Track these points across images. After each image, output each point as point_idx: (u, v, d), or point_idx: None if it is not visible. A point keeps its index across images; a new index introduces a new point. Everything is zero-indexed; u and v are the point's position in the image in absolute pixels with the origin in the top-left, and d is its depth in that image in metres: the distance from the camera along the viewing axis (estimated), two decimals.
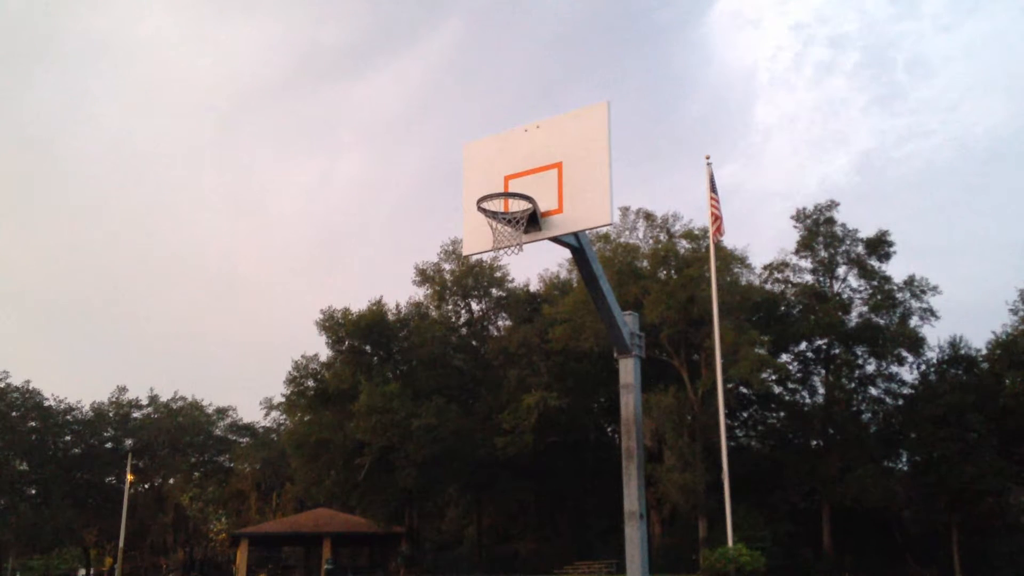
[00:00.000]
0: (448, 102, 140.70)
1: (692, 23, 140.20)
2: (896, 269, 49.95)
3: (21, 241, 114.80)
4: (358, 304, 51.57)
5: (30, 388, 55.19)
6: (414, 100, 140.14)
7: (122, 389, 60.94)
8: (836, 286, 40.52)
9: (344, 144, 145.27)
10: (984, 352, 39.75)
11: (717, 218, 26.27)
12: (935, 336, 56.82)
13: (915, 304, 39.02)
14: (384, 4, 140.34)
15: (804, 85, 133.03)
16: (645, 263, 39.04)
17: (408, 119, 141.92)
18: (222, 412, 64.31)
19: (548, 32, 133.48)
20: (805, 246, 40.22)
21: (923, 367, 40.35)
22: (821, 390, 40.82)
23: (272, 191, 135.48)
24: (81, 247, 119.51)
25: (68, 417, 57.10)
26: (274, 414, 50.51)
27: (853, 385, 40.71)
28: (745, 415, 44.75)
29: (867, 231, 39.77)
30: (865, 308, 39.53)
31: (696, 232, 37.91)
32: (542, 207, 6.76)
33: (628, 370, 7.77)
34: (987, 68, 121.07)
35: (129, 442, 57.95)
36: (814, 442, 41.02)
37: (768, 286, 40.96)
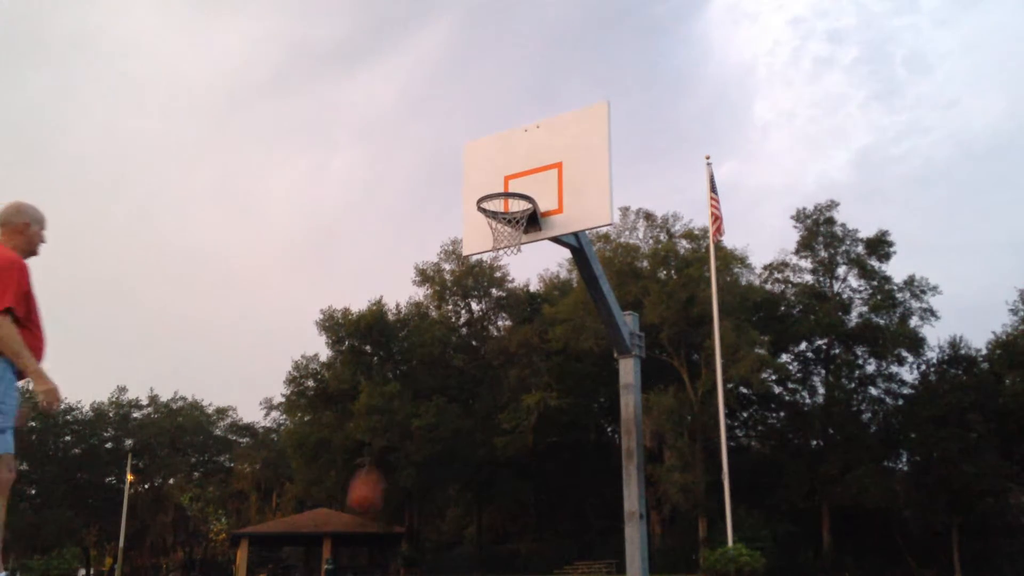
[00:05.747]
0: (444, 100, 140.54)
1: (690, 18, 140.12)
2: (896, 268, 49.84)
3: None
4: (358, 304, 51.58)
5: (30, 388, 55.06)
6: (410, 98, 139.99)
7: (122, 389, 60.83)
8: (836, 286, 40.57)
9: (342, 142, 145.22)
10: (984, 352, 39.77)
11: (717, 218, 26.26)
12: (935, 336, 56.72)
13: (915, 304, 39.09)
14: (377, 0, 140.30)
15: (802, 81, 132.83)
16: (645, 263, 39.10)
17: (404, 117, 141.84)
18: (222, 412, 64.24)
19: (544, 29, 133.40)
20: (805, 246, 40.30)
21: (923, 367, 40.36)
22: (821, 390, 40.83)
23: (269, 189, 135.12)
24: (78, 246, 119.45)
25: (68, 417, 57.03)
26: (274, 414, 50.57)
27: (853, 385, 40.71)
28: (745, 415, 44.75)
29: (866, 229, 39.93)
30: (865, 308, 39.58)
31: (696, 232, 38.00)
32: (542, 207, 6.75)
33: (628, 370, 7.77)
34: (986, 63, 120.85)
35: (129, 442, 57.86)
36: (814, 442, 41.03)
37: (768, 286, 41.01)
